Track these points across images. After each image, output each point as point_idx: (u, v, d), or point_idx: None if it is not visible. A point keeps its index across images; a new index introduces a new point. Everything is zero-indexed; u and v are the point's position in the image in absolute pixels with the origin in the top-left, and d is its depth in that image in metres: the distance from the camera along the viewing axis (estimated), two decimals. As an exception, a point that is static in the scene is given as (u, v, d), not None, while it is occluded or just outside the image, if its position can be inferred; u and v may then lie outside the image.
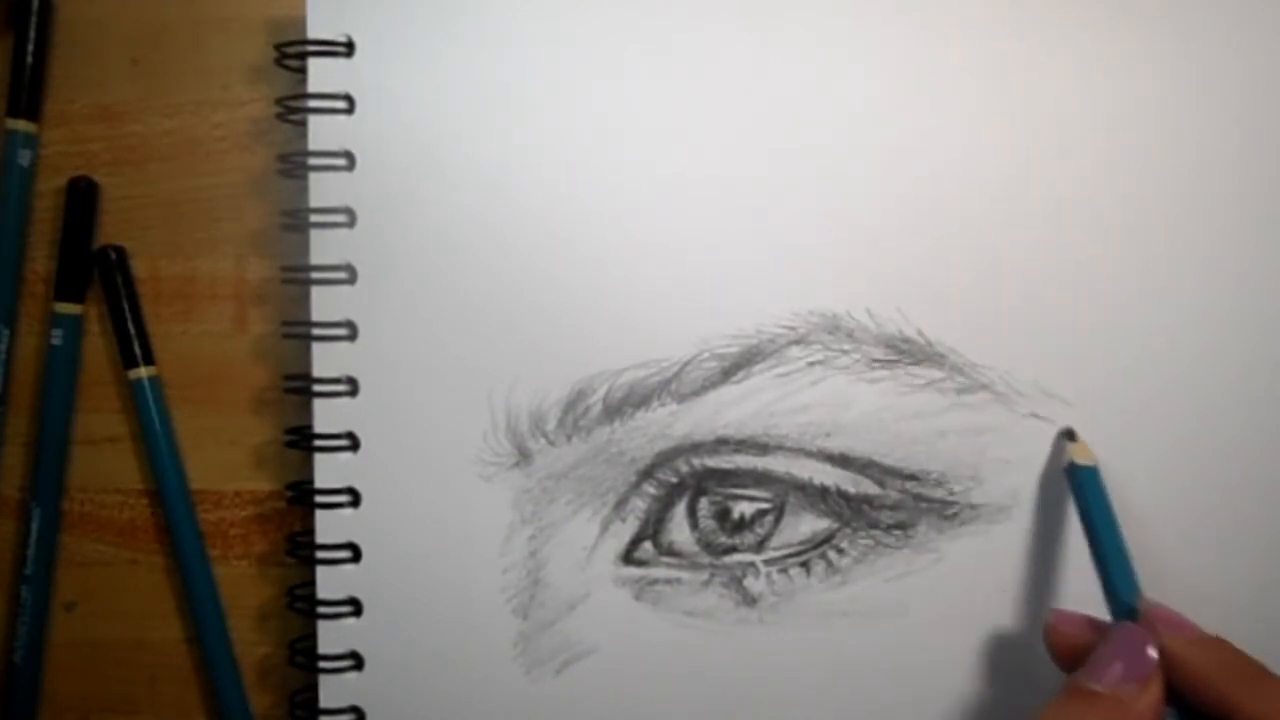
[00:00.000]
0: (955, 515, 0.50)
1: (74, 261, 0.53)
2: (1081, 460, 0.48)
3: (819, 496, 0.50)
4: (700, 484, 0.50)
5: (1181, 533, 0.50)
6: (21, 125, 0.53)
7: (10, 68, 0.53)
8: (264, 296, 0.54)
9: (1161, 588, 0.49)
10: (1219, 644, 0.42)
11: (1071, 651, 0.45)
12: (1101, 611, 0.45)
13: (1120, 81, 0.49)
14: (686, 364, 0.49)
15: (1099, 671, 0.42)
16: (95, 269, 0.54)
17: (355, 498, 0.51)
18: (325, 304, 0.50)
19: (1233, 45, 0.49)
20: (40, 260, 0.54)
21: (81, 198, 0.54)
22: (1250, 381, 0.49)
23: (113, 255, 0.54)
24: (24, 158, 0.53)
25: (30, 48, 0.53)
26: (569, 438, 0.50)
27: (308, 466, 0.51)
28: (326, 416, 0.51)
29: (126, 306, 0.53)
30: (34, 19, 0.53)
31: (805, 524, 0.50)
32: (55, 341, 0.53)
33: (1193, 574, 0.49)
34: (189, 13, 0.54)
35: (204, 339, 0.54)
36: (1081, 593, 0.49)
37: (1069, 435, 0.49)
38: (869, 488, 0.49)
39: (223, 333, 0.54)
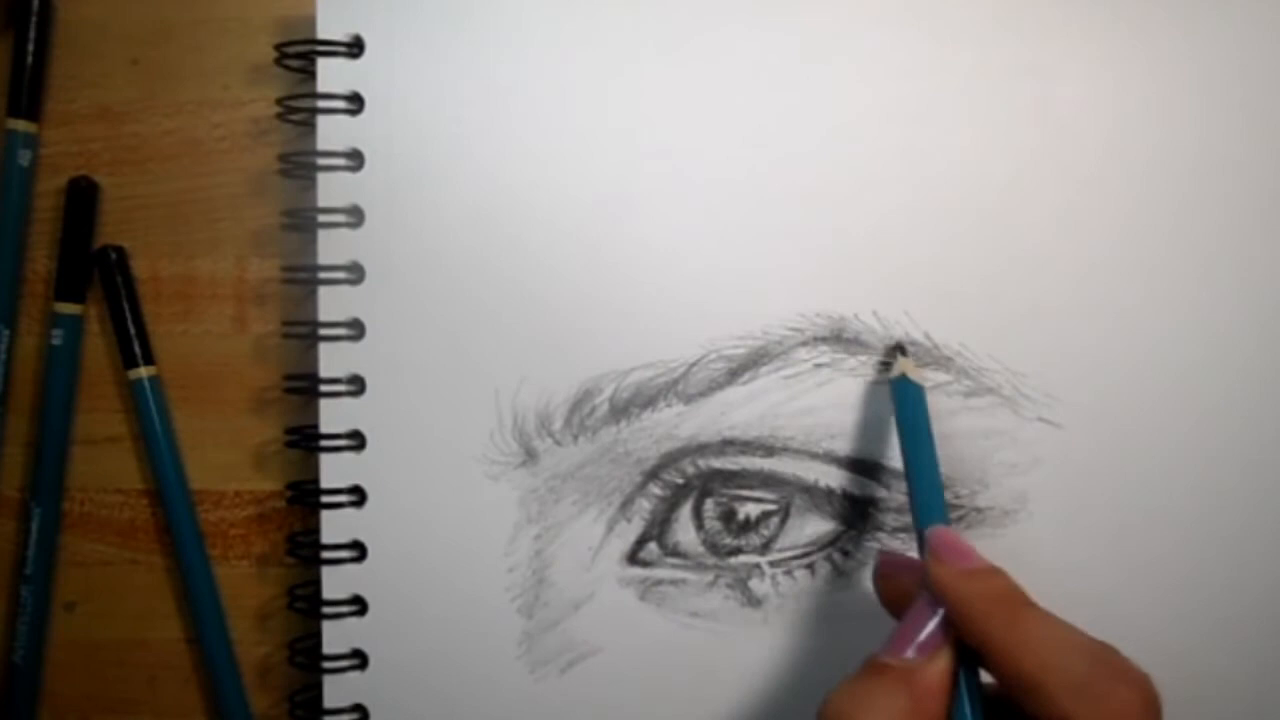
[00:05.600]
0: (961, 519, 0.50)
1: (74, 261, 0.53)
2: (913, 377, 0.48)
3: (824, 498, 0.50)
4: (706, 485, 0.50)
5: (1187, 533, 0.50)
6: (21, 125, 0.53)
7: (10, 68, 0.53)
8: (264, 296, 0.54)
9: (1163, 589, 0.49)
10: (988, 574, 0.41)
11: (900, 599, 0.44)
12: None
13: (1123, 84, 0.50)
14: (693, 365, 0.50)
15: (894, 644, 0.41)
16: (95, 269, 0.54)
17: (361, 497, 0.51)
18: (332, 303, 0.51)
19: (1234, 47, 0.50)
20: (40, 260, 0.54)
21: (81, 198, 0.53)
22: (1256, 382, 0.50)
23: (113, 255, 0.53)
24: (24, 158, 0.53)
25: (30, 48, 0.53)
26: (575, 438, 0.50)
27: (308, 466, 0.52)
28: (332, 415, 0.51)
29: (126, 306, 0.53)
30: (34, 19, 0.53)
31: (811, 526, 0.50)
32: (55, 341, 0.53)
33: (1196, 575, 0.50)
34: (189, 13, 0.54)
35: (204, 339, 0.54)
36: (1087, 596, 0.49)
37: (900, 349, 0.49)
38: (875, 490, 0.50)
39: (223, 333, 0.54)
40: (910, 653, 0.40)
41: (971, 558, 0.42)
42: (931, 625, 0.41)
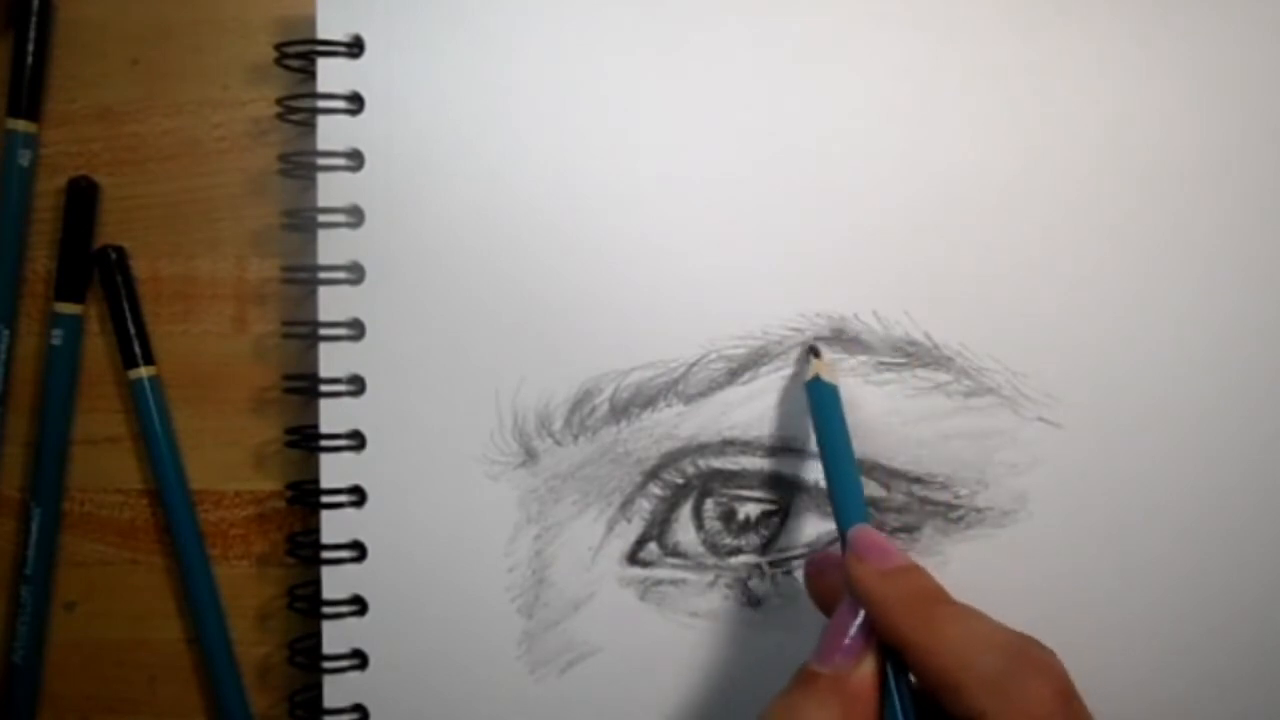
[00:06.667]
0: (961, 519, 0.50)
1: (74, 261, 0.53)
2: (826, 377, 0.48)
3: (824, 498, 0.50)
4: (706, 485, 0.50)
5: (1186, 534, 0.50)
6: (21, 125, 0.53)
7: (10, 68, 0.53)
8: (264, 296, 0.54)
9: (1163, 589, 0.49)
10: (905, 573, 0.41)
11: (830, 597, 0.44)
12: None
13: (1123, 84, 0.50)
14: (693, 365, 0.50)
15: (822, 651, 0.41)
16: (95, 269, 0.54)
17: (360, 497, 0.51)
18: (332, 303, 0.51)
19: (1233, 47, 0.50)
20: (40, 260, 0.54)
21: (81, 198, 0.53)
22: (1256, 382, 0.50)
23: (113, 255, 0.53)
24: (24, 158, 0.53)
25: (30, 48, 0.53)
26: (575, 438, 0.50)
27: (308, 466, 0.52)
28: (332, 415, 0.51)
29: (126, 306, 0.53)
30: (34, 19, 0.53)
31: (810, 526, 0.50)
32: (55, 341, 0.53)
33: (1195, 575, 0.50)
34: (189, 13, 0.54)
35: (204, 339, 0.54)
36: (1087, 596, 0.49)
37: (814, 351, 0.49)
38: (875, 490, 0.50)
39: (223, 333, 0.54)
40: (838, 658, 0.40)
41: (892, 556, 0.42)
42: (855, 628, 0.41)
